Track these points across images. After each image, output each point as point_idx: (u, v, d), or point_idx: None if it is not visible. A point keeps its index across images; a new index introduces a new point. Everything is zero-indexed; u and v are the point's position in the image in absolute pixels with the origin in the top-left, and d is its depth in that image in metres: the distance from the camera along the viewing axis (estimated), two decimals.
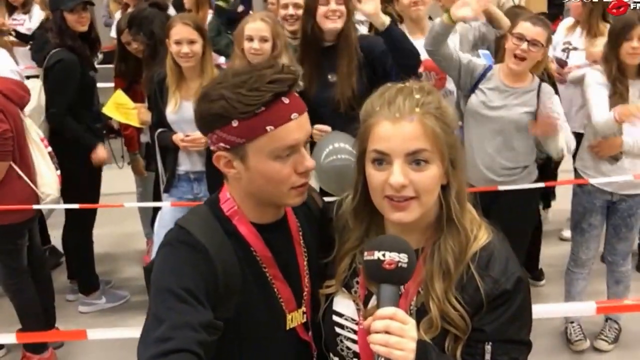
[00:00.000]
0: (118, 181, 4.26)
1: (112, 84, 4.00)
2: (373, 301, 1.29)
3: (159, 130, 3.22)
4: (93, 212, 3.77)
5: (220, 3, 3.45)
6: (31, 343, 3.26)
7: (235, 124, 1.21)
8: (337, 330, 1.35)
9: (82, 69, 3.53)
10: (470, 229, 1.26)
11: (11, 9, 5.47)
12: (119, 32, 3.85)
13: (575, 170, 3.29)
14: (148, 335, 1.12)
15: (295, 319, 1.37)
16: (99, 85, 3.82)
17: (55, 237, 4.20)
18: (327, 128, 2.93)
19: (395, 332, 1.08)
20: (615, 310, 3.43)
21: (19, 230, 3.15)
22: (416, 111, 1.19)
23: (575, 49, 4.01)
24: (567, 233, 4.40)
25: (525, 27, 2.82)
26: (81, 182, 3.56)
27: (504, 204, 2.96)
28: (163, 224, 3.20)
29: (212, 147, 1.29)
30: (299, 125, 1.24)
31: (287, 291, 1.35)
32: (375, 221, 1.33)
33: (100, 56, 5.12)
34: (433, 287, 1.23)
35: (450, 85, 3.23)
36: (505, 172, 3.00)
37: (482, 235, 1.27)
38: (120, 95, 3.54)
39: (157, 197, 3.55)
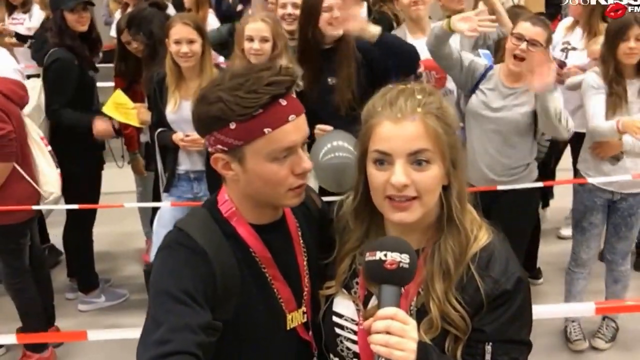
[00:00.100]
0: (118, 180, 4.25)
1: (111, 83, 4.00)
2: (373, 302, 1.29)
3: (159, 129, 3.21)
4: (93, 211, 3.78)
5: None
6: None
7: (232, 126, 1.21)
8: (337, 331, 1.35)
9: (81, 68, 3.52)
10: (471, 230, 1.27)
11: (11, 9, 5.47)
12: (119, 31, 3.84)
13: (578, 171, 3.29)
14: (147, 337, 1.13)
15: (296, 319, 1.37)
16: (98, 84, 3.82)
17: (55, 235, 4.20)
18: (329, 128, 2.93)
19: (396, 332, 1.08)
20: (615, 311, 3.43)
21: (21, 229, 3.16)
22: (418, 111, 1.20)
23: (574, 49, 4.00)
24: (565, 231, 4.42)
25: (525, 27, 2.82)
26: (81, 182, 3.56)
27: (504, 204, 2.97)
28: (162, 224, 3.20)
29: (209, 149, 1.29)
30: (296, 127, 1.24)
31: (287, 291, 1.35)
32: (375, 222, 1.33)
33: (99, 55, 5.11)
34: (433, 288, 1.23)
35: (450, 84, 3.24)
36: (508, 171, 3.00)
37: (482, 235, 1.27)
38: (119, 95, 3.54)
39: (157, 197, 3.55)
